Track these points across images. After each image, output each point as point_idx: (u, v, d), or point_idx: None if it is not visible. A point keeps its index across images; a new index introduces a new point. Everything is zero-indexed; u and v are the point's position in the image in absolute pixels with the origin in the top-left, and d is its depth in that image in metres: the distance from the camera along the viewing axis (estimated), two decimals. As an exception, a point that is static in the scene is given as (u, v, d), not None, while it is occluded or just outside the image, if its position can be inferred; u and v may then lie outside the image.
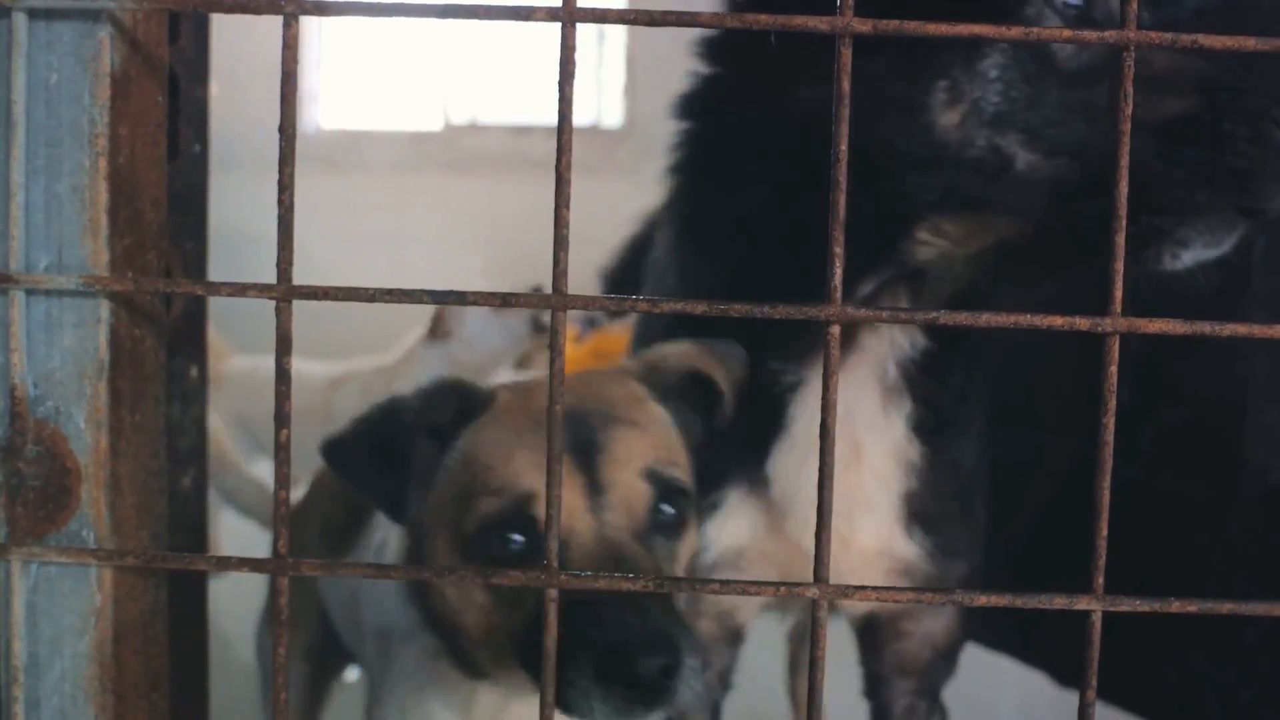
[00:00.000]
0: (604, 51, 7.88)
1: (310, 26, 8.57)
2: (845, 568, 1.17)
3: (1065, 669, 1.79)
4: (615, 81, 7.98)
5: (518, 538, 0.95)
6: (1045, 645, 1.81)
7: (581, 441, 0.97)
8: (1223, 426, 1.59)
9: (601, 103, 8.04)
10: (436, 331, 3.20)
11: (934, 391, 1.16)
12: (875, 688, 1.34)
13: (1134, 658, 1.66)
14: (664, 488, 0.98)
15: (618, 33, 7.72)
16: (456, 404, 1.04)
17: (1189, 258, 0.94)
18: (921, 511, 1.20)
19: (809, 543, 1.19)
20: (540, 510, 0.89)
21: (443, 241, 6.58)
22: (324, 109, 8.76)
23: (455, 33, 8.20)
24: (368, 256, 7.69)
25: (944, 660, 1.31)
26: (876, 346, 1.13)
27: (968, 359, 1.18)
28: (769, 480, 1.17)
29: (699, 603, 1.25)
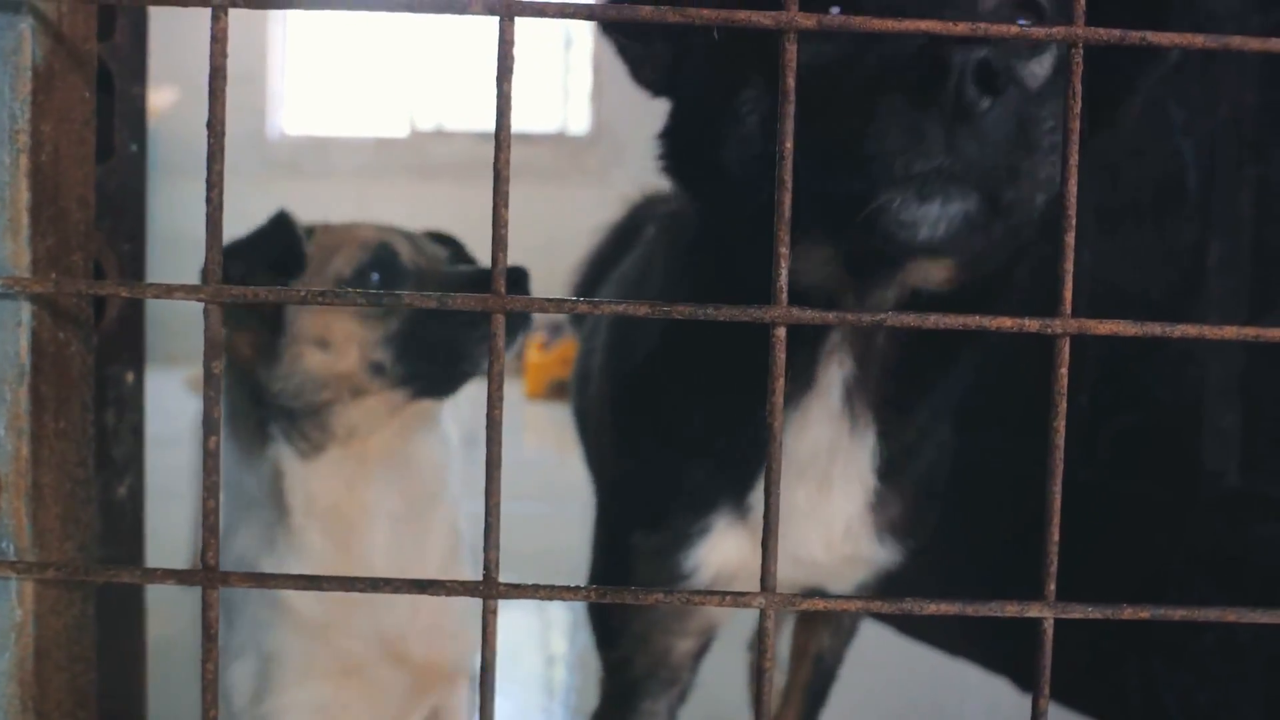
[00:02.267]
0: (570, 58, 7.86)
1: (276, 31, 8.52)
2: (827, 569, 1.23)
3: (1028, 675, 1.78)
4: (582, 88, 7.96)
5: (375, 276, 1.33)
6: (1007, 651, 1.81)
7: None
8: (1180, 430, 1.60)
9: (568, 109, 8.03)
10: None
11: (896, 422, 1.16)
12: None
13: (1094, 662, 1.67)
14: None
15: (584, 39, 7.71)
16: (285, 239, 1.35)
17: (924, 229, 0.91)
18: (892, 521, 1.23)
19: (816, 554, 1.20)
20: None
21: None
22: (289, 114, 8.71)
23: (421, 39, 8.16)
24: (332, 262, 7.62)
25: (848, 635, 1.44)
26: (836, 380, 1.13)
27: (929, 388, 1.17)
28: (752, 509, 1.18)
29: (685, 622, 1.26)
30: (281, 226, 1.36)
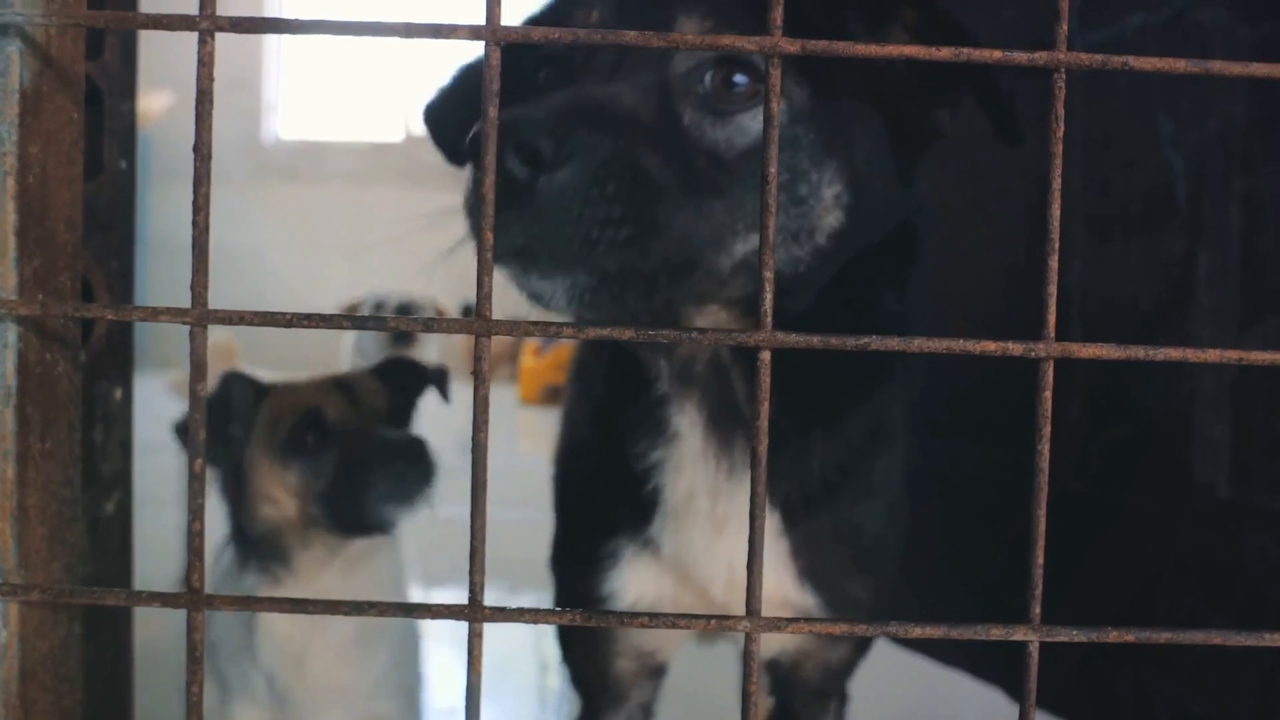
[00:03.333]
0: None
1: (270, 37, 8.51)
2: (738, 609, 1.18)
3: (1020, 685, 1.78)
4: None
5: (310, 438, 1.53)
6: (1000, 661, 1.82)
7: None
8: (1170, 441, 1.60)
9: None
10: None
11: (800, 472, 1.14)
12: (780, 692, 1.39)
13: (1086, 672, 1.67)
14: None
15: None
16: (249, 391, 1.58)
17: None
18: (813, 568, 1.20)
19: (717, 593, 1.19)
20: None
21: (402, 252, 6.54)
22: (284, 119, 8.70)
23: (415, 45, 8.15)
24: (327, 266, 7.63)
25: (840, 674, 1.36)
26: (696, 423, 1.13)
27: (834, 433, 1.16)
28: (658, 542, 1.19)
29: (618, 643, 1.27)
30: (234, 388, 1.59)
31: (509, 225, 0.84)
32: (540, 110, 0.85)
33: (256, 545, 1.59)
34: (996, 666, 1.85)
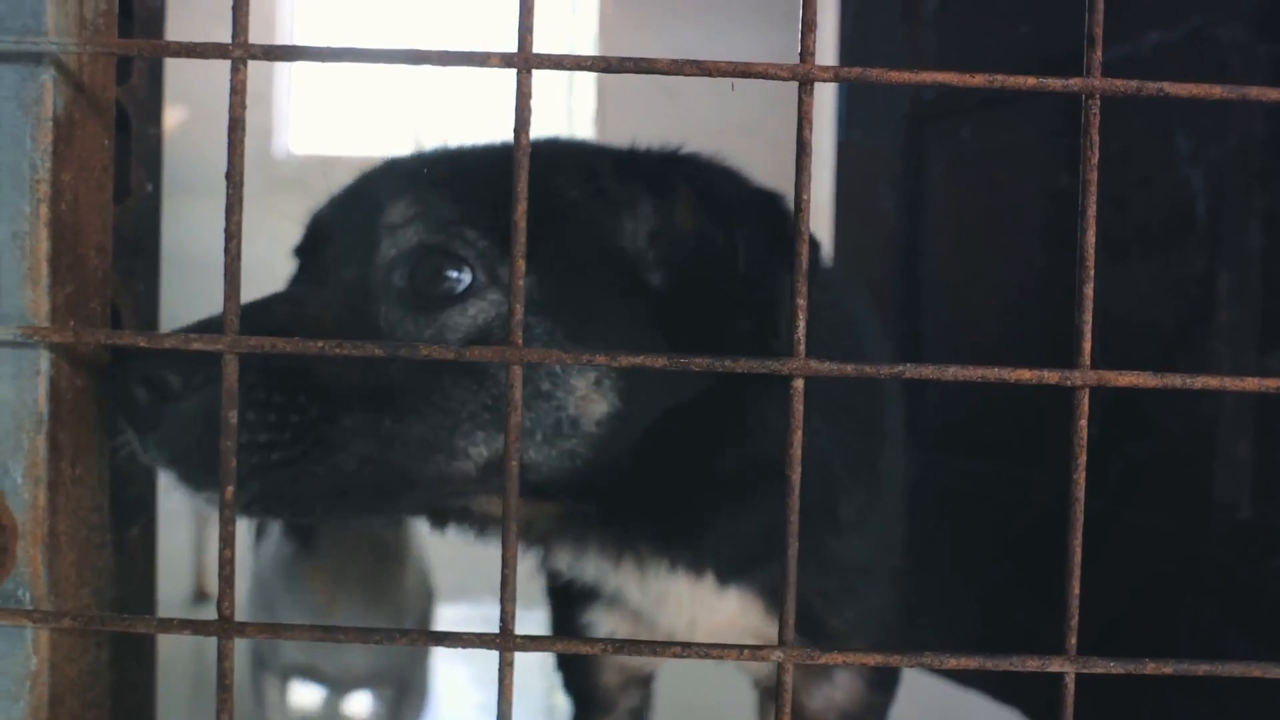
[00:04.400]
0: (574, 77, 7.89)
1: (281, 51, 8.55)
2: (709, 630, 1.18)
3: (1038, 706, 1.77)
4: (586, 108, 7.98)
5: None
6: (1018, 682, 1.80)
7: None
8: (1191, 460, 1.59)
9: (573, 129, 8.05)
10: None
11: (723, 548, 1.10)
12: None
13: (1108, 695, 1.66)
14: None
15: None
16: None
17: None
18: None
19: (680, 634, 1.17)
20: None
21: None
22: (296, 133, 8.73)
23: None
24: (338, 282, 7.62)
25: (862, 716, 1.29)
26: (614, 536, 1.10)
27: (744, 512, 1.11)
28: (620, 599, 1.17)
29: (600, 660, 1.30)
30: None
31: (147, 444, 0.83)
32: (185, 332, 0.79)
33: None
34: (1014, 688, 1.84)
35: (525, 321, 0.90)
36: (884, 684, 1.30)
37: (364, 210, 0.97)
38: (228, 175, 0.67)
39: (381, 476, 0.87)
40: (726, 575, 1.12)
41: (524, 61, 0.66)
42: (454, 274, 0.93)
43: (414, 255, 0.93)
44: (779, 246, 0.92)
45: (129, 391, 0.79)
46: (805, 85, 0.66)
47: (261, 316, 0.88)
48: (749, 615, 1.17)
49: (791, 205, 0.87)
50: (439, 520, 1.09)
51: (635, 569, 1.09)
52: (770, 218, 0.97)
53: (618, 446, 0.97)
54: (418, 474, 0.89)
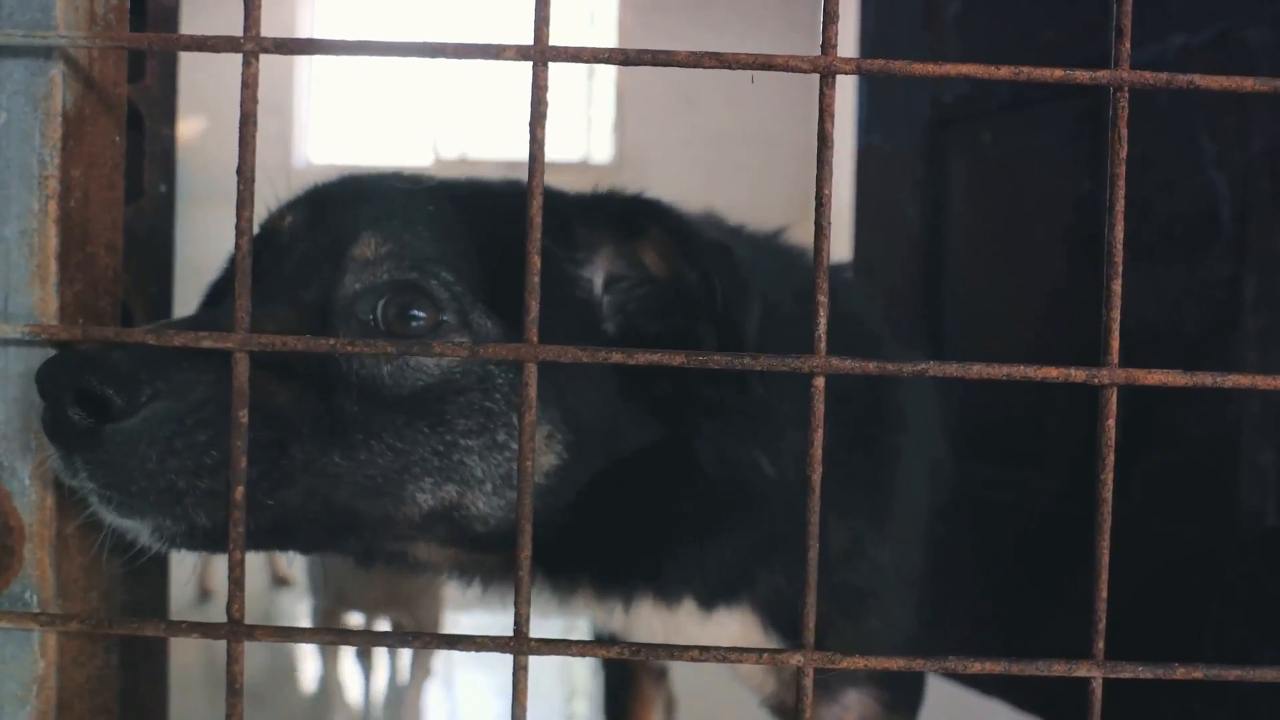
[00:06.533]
0: (594, 87, 7.90)
1: (302, 62, 8.61)
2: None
3: (1060, 715, 1.75)
4: (605, 117, 8.00)
5: None
6: (1039, 690, 1.78)
7: None
8: (1217, 468, 1.56)
9: (591, 137, 8.06)
10: None
11: (692, 579, 1.11)
12: None
13: (1131, 706, 1.63)
14: None
15: (607, 69, 7.75)
16: None
17: None
18: (776, 620, 1.17)
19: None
20: None
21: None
22: (316, 144, 8.78)
23: (446, 68, 8.23)
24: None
25: None
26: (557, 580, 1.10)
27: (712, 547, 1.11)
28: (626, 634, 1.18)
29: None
30: None
31: (74, 467, 0.73)
32: (128, 349, 0.74)
33: None
34: (1036, 696, 1.81)
35: (489, 371, 0.90)
36: (902, 705, 1.26)
37: (329, 235, 0.93)
38: (239, 170, 0.66)
39: (326, 516, 0.85)
40: (711, 600, 1.12)
41: (539, 54, 0.65)
42: (422, 315, 0.91)
43: (383, 291, 0.91)
44: (741, 292, 0.93)
45: (61, 409, 0.71)
46: (827, 77, 0.65)
47: (204, 323, 0.84)
48: (750, 637, 1.16)
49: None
50: (368, 560, 1.08)
51: (590, 607, 1.11)
52: (731, 265, 0.97)
53: (564, 498, 0.97)
54: (364, 515, 0.87)
